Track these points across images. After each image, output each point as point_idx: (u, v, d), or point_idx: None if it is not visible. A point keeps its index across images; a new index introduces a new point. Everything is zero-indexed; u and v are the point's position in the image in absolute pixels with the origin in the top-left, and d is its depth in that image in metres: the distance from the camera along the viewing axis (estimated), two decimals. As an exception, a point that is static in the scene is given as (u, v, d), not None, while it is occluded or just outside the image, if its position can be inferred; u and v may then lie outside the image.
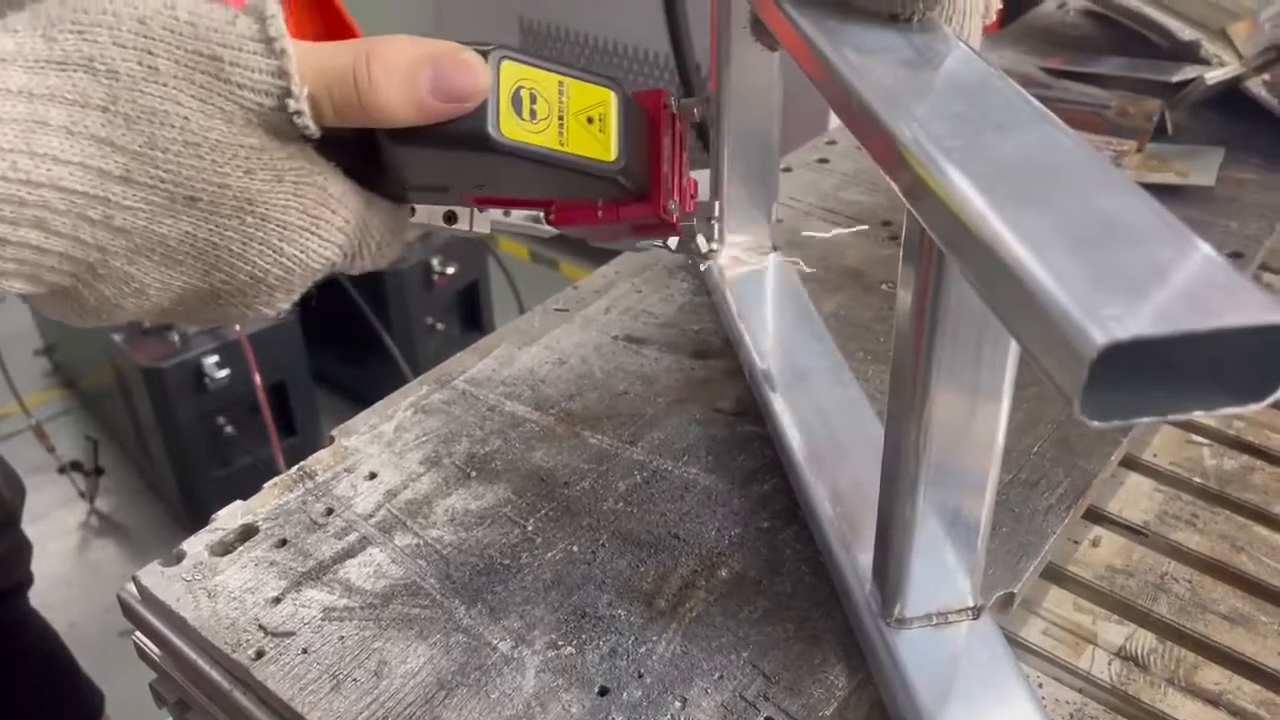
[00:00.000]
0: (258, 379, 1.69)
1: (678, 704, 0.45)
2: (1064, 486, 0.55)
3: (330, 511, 0.55)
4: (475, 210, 0.45)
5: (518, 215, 0.45)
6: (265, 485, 0.57)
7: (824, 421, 0.58)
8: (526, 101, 0.39)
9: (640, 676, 0.47)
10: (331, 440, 0.60)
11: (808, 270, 0.72)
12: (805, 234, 0.79)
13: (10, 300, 0.38)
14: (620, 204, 0.44)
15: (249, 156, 0.36)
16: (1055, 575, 0.53)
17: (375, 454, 0.59)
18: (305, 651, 0.48)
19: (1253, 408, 0.27)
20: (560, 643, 0.48)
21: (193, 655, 0.50)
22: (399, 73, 0.36)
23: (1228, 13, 1.00)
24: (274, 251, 0.37)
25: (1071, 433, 0.59)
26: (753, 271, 0.71)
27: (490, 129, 0.38)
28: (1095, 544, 0.55)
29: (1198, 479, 0.58)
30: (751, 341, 0.64)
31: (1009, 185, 0.32)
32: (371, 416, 0.62)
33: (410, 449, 0.60)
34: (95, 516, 2.03)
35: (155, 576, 0.52)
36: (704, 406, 0.62)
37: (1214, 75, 0.92)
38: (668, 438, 0.60)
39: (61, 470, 1.98)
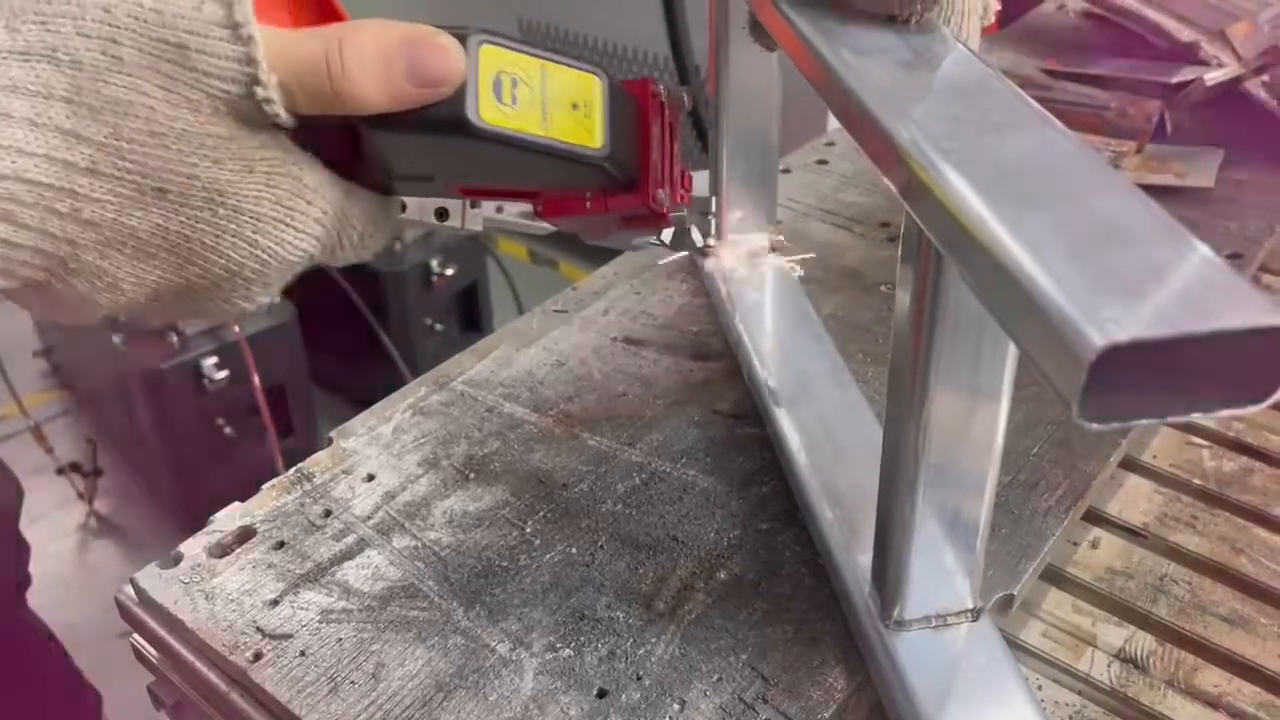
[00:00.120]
0: (256, 380, 1.69)
1: (676, 706, 0.45)
2: (1063, 488, 0.55)
3: (328, 513, 0.55)
4: (468, 206, 0.44)
5: (511, 211, 0.44)
6: (263, 487, 0.57)
7: (823, 423, 0.58)
8: (507, 86, 0.38)
9: (639, 679, 0.46)
10: (330, 442, 0.60)
11: (800, 257, 0.71)
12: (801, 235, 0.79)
13: (9, 302, 0.37)
14: (609, 194, 0.42)
15: (217, 146, 0.35)
16: (1054, 577, 0.53)
17: (373, 456, 0.59)
18: (303, 654, 0.48)
19: (1252, 410, 0.27)
20: (558, 645, 0.48)
21: (190, 657, 0.50)
22: (372, 58, 0.35)
23: (1227, 14, 1.00)
24: (248, 244, 0.37)
25: (1071, 434, 0.59)
26: (752, 273, 0.71)
27: (469, 114, 0.37)
28: (1095, 546, 0.55)
29: (1197, 481, 0.58)
30: (750, 343, 0.64)
31: (1007, 186, 0.32)
32: (370, 418, 0.62)
33: (409, 451, 0.60)
34: (94, 518, 2.03)
35: (153, 578, 0.52)
36: (703, 408, 0.62)
37: (1213, 76, 0.92)
38: (666, 440, 0.60)
39: (60, 471, 1.98)
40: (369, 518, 0.55)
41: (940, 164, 0.33)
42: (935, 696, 0.44)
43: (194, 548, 0.53)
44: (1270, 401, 0.27)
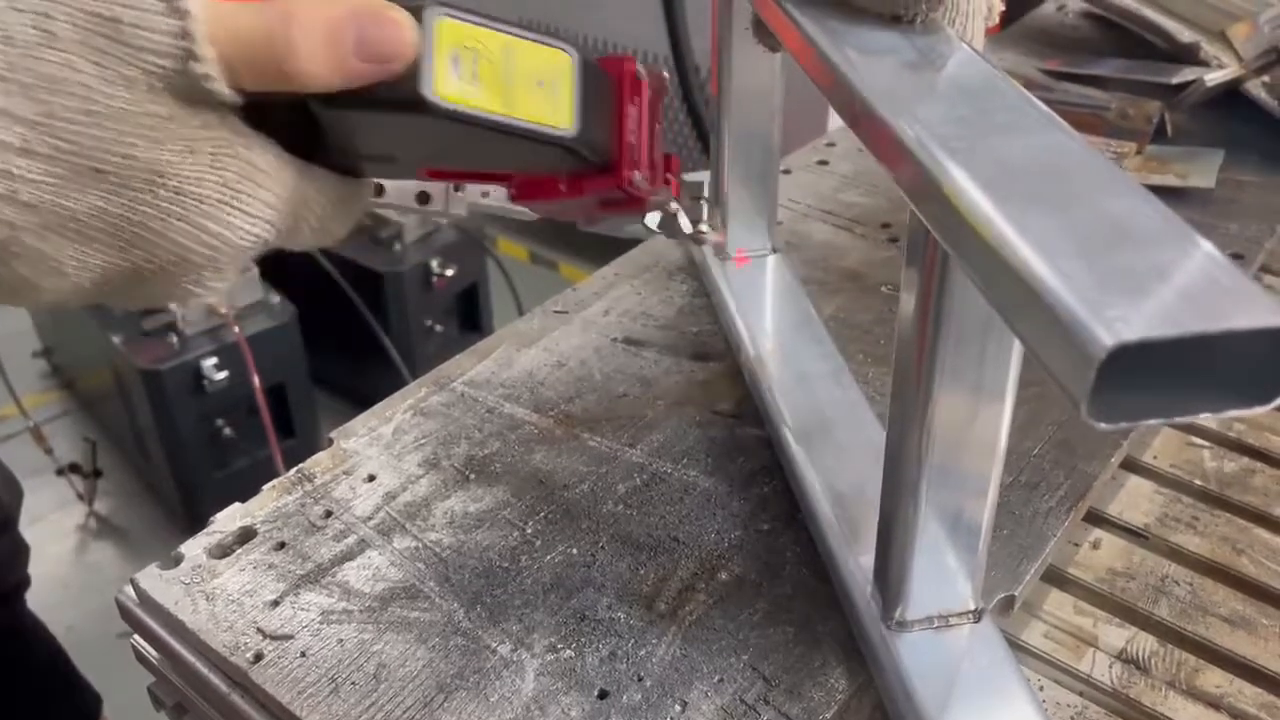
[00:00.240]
0: (256, 381, 1.69)
1: (677, 707, 0.45)
2: (1064, 489, 0.55)
3: (329, 514, 0.55)
4: (451, 190, 0.42)
5: (496, 196, 0.42)
6: (264, 488, 0.57)
7: (824, 424, 0.58)
8: (467, 62, 0.36)
9: (640, 680, 0.46)
10: (330, 442, 0.60)
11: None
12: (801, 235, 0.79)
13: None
14: (583, 177, 0.40)
15: (155, 126, 0.33)
16: (1056, 578, 0.53)
17: (374, 456, 0.59)
18: (304, 654, 0.48)
19: (1258, 410, 0.27)
20: (559, 646, 0.48)
21: (191, 658, 0.49)
22: (319, 33, 0.34)
23: (1227, 15, 1.00)
24: (194, 228, 0.35)
25: (1072, 435, 0.59)
26: (752, 273, 0.71)
27: (424, 90, 0.35)
28: (1096, 546, 0.55)
29: (1198, 481, 0.58)
30: (751, 344, 0.64)
31: (1015, 186, 0.32)
32: (370, 419, 0.62)
33: (409, 451, 0.60)
34: (93, 519, 2.03)
35: (153, 579, 0.51)
36: (703, 409, 0.62)
37: (1213, 77, 0.92)
38: (667, 440, 0.60)
39: (59, 472, 1.98)
40: (370, 518, 0.55)
41: (947, 163, 0.33)
42: (937, 697, 0.44)
43: (194, 548, 0.53)
44: (1277, 402, 0.27)
